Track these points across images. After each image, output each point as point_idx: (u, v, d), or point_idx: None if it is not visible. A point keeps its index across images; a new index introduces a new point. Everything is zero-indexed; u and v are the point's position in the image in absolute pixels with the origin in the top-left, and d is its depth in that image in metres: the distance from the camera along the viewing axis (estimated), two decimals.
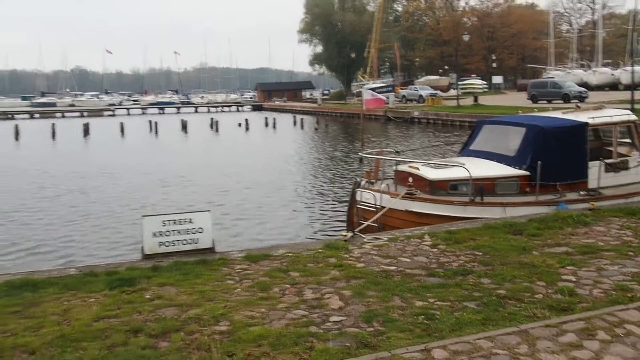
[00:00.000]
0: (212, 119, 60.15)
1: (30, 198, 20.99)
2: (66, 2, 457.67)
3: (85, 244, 14.66)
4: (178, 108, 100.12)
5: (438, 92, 72.46)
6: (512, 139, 13.84)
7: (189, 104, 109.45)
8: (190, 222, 9.27)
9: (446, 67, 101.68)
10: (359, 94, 72.27)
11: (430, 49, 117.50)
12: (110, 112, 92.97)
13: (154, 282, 7.71)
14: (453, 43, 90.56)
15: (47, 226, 16.80)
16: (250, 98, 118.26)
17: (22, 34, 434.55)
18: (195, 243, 9.22)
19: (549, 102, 47.71)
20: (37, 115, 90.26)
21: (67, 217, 17.85)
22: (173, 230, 9.15)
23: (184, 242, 9.18)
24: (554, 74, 78.04)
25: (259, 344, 5.73)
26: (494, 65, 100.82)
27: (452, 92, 71.25)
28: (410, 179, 12.99)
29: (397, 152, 18.07)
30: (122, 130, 53.01)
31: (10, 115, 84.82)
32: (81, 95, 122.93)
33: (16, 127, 51.91)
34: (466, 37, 72.72)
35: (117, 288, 7.50)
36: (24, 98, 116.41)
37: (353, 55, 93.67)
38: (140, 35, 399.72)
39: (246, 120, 58.72)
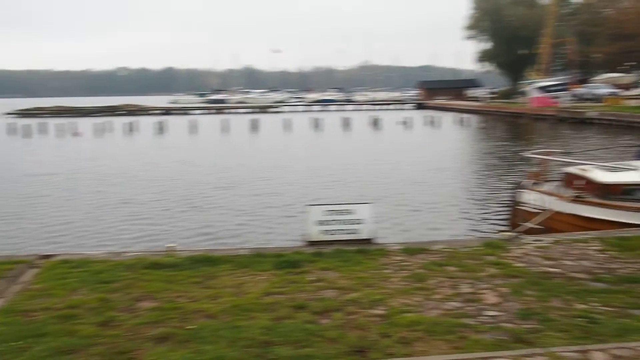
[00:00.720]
0: (373, 116, 61.00)
1: (209, 188, 22.74)
2: (240, 6, 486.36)
3: (254, 229, 15.78)
4: (340, 105, 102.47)
5: (619, 90, 67.10)
6: None
7: (351, 101, 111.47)
8: (352, 213, 9.73)
9: (631, 63, 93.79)
10: (528, 93, 69.32)
11: (610, 44, 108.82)
12: (276, 109, 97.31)
13: (317, 266, 8.25)
14: (638, 37, 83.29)
15: (221, 212, 18.23)
16: (413, 96, 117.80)
17: (202, 34, 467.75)
18: (355, 233, 9.66)
19: None
20: (210, 111, 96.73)
21: (239, 203, 19.25)
22: (335, 220, 9.66)
23: (345, 231, 9.65)
24: None
25: (413, 329, 6.00)
26: None
27: (635, 91, 65.63)
28: (579, 182, 12.47)
29: (566, 153, 17.33)
30: (287, 126, 55.41)
31: (187, 111, 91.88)
32: (250, 92, 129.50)
33: (192, 122, 56.31)
34: None
35: (283, 269, 8.14)
36: (199, 95, 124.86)
37: (523, 51, 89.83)
38: (306, 35, 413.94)
39: (408, 118, 58.84)
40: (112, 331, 5.98)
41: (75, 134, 52.45)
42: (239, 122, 61.58)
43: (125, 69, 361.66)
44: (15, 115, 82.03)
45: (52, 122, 59.77)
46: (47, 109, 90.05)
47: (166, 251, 8.91)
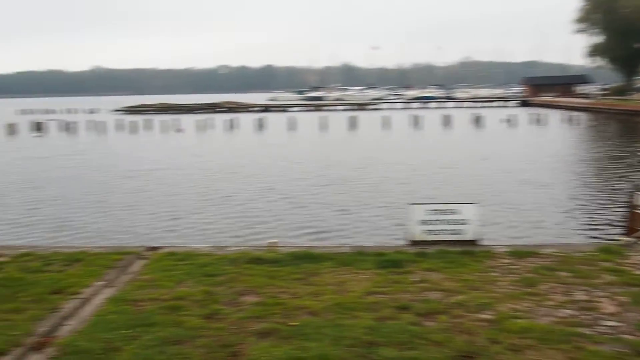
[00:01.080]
0: (475, 114, 59.47)
1: (309, 185, 22.91)
2: (339, 3, 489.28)
3: (354, 226, 15.69)
4: (441, 103, 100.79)
5: None
6: None
7: (451, 98, 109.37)
8: (456, 213, 9.43)
9: None
10: None
11: None
12: (374, 106, 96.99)
13: (420, 267, 8.04)
14: None
15: (322, 209, 18.29)
16: (517, 93, 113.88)
17: (301, 32, 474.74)
18: (460, 234, 9.36)
19: None
20: (308, 108, 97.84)
21: (339, 199, 19.24)
22: (438, 220, 9.40)
23: (449, 231, 9.37)
24: None
25: (524, 336, 5.71)
26: None
27: None
28: None
29: None
30: (385, 123, 55.03)
31: (286, 108, 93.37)
32: (348, 89, 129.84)
33: (291, 119, 57.09)
34: None
35: (385, 268, 7.99)
36: (298, 92, 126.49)
37: (639, 45, 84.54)
38: (404, 31, 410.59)
39: (512, 115, 56.88)
40: (217, 324, 6.06)
41: (178, 130, 54.48)
42: (337, 119, 61.75)
43: (226, 67, 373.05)
44: (123, 112, 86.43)
45: (157, 119, 62.40)
46: (152, 106, 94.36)
47: (268, 247, 8.98)
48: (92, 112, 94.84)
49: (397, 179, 23.61)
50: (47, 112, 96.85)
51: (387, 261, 8.25)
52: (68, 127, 56.82)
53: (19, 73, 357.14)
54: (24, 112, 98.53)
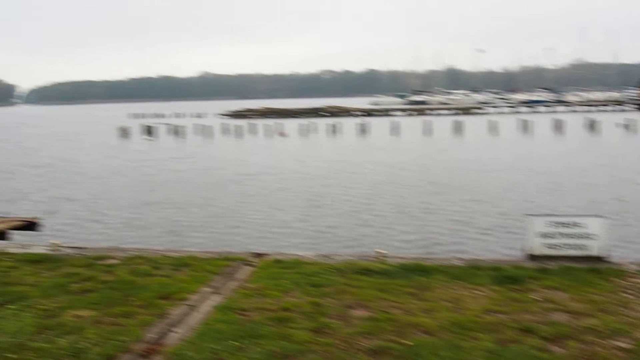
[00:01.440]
0: (589, 118, 56.40)
1: (418, 192, 22.39)
2: (443, 5, 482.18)
3: (465, 237, 15.04)
4: (550, 107, 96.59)
5: None
6: None
7: (562, 102, 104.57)
8: (580, 226, 8.67)
9: None
10: None
11: None
12: (480, 110, 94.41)
13: (542, 284, 7.42)
14: None
15: (430, 217, 17.75)
16: (635, 96, 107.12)
17: (404, 35, 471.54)
18: (584, 249, 8.60)
19: None
20: (411, 113, 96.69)
21: (449, 208, 18.63)
22: (559, 233, 8.68)
23: (572, 246, 8.63)
24: None
25: None
26: None
27: None
28: None
29: None
30: (492, 128, 53.26)
31: (388, 113, 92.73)
32: (451, 93, 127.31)
33: (394, 123, 56.50)
34: None
35: (503, 284, 7.42)
36: (400, 96, 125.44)
37: None
38: (512, 32, 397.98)
39: (630, 120, 53.42)
40: (326, 339, 5.77)
41: (282, 134, 55.31)
42: (441, 124, 60.50)
43: (329, 71, 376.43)
44: (228, 117, 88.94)
45: (261, 123, 63.66)
46: (256, 110, 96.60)
47: (376, 256, 8.63)
48: (199, 116, 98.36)
49: (510, 187, 22.58)
50: (157, 116, 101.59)
51: (504, 277, 7.68)
52: (177, 131, 59.09)
53: (132, 79, 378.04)
54: (136, 116, 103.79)
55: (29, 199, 22.44)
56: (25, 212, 16.04)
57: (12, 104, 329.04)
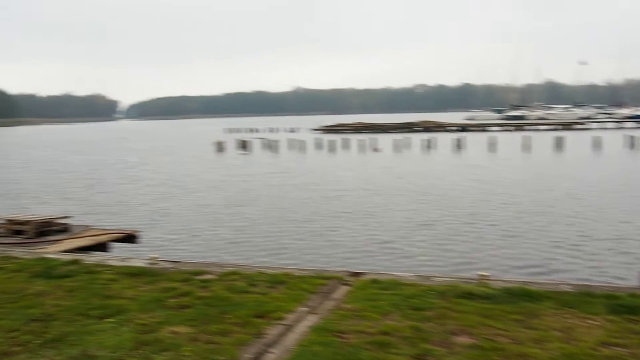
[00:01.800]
0: None
1: (518, 211, 21.55)
2: (544, 18, 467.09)
3: (572, 261, 14.24)
4: None
5: None
6: None
7: None
8: None
9: None
10: None
11: None
12: (582, 126, 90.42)
13: None
14: None
15: (532, 240, 16.96)
16: None
17: (500, 48, 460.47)
18: None
19: None
20: (509, 128, 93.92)
21: (553, 230, 17.75)
22: None
23: None
24: None
25: None
26: None
27: None
28: None
29: None
30: (596, 144, 50.77)
31: (484, 128, 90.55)
32: (551, 108, 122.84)
33: (491, 139, 54.91)
34: None
35: (619, 314, 6.83)
36: (497, 111, 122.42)
37: None
38: (617, 44, 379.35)
39: None
40: None
41: (375, 149, 55.07)
42: (541, 139, 58.31)
43: (422, 85, 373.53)
44: (321, 131, 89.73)
45: (354, 138, 63.68)
46: (349, 125, 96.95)
47: (478, 279, 8.23)
48: (292, 130, 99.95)
49: (623, 209, 21.25)
50: (251, 130, 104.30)
51: (620, 306, 7.07)
52: (270, 146, 60.18)
53: (226, 94, 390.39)
54: (231, 130, 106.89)
55: (130, 212, 23.33)
56: (126, 224, 16.69)
57: (114, 119, 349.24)
